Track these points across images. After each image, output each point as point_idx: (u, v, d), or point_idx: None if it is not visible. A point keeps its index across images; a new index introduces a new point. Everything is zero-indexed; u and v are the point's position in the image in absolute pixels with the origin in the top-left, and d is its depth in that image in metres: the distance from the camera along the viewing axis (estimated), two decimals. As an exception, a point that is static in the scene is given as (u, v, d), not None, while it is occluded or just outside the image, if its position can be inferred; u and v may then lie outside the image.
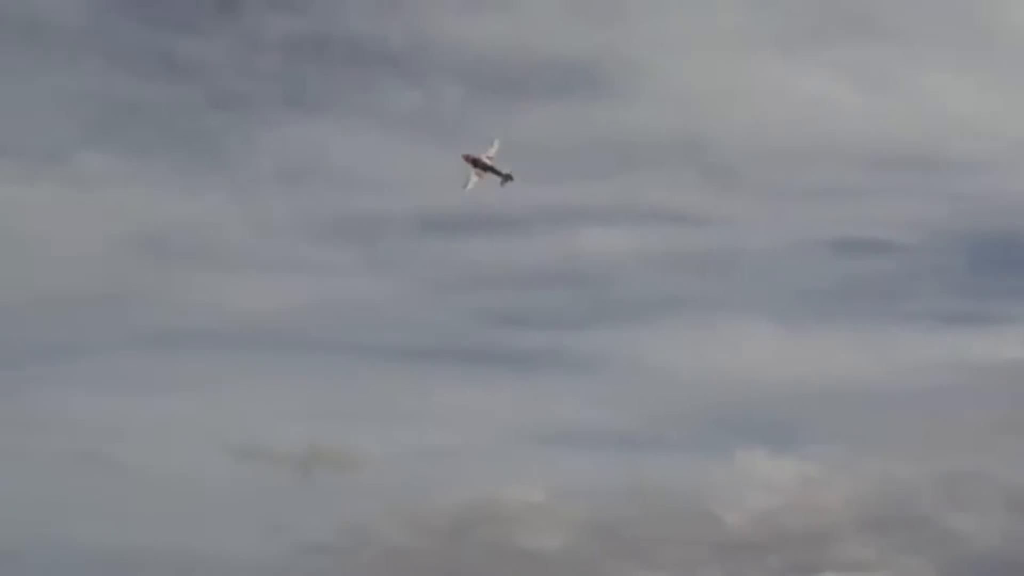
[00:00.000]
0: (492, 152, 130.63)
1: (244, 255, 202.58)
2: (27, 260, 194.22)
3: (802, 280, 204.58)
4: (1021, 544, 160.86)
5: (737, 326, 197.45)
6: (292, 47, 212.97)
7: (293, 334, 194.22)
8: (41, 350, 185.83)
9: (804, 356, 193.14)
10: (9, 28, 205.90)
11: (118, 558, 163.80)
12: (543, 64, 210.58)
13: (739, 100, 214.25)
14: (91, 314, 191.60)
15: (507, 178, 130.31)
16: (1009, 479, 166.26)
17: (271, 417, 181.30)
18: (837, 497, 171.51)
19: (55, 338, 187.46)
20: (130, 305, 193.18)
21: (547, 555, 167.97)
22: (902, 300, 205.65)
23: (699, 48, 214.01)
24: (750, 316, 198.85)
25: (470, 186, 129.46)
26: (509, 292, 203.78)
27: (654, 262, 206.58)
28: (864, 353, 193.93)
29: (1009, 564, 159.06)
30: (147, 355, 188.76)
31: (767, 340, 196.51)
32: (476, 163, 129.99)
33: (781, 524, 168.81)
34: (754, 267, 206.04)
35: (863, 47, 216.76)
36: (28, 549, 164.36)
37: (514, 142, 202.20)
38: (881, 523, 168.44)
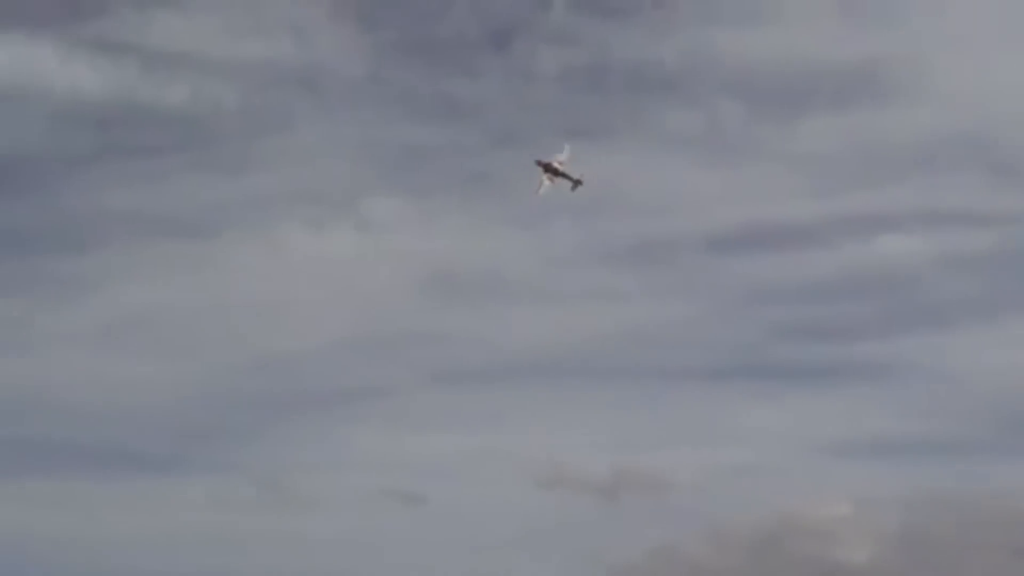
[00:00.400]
0: (563, 158, 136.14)
1: (536, 288, 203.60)
2: (323, 305, 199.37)
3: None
4: None
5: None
6: (567, 78, 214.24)
7: (591, 362, 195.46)
8: (344, 392, 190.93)
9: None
10: (295, 80, 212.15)
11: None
12: (822, 72, 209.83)
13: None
14: (390, 354, 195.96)
15: (577, 183, 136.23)
16: None
17: (575, 445, 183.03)
18: None
19: (357, 380, 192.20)
20: (427, 343, 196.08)
21: (856, 568, 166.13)
22: None
23: (980, 44, 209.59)
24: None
25: (542, 191, 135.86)
26: (804, 305, 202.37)
27: (951, 265, 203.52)
28: None
29: None
30: (445, 392, 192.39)
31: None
32: (548, 168, 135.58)
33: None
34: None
35: None
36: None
37: (799, 154, 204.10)
38: None
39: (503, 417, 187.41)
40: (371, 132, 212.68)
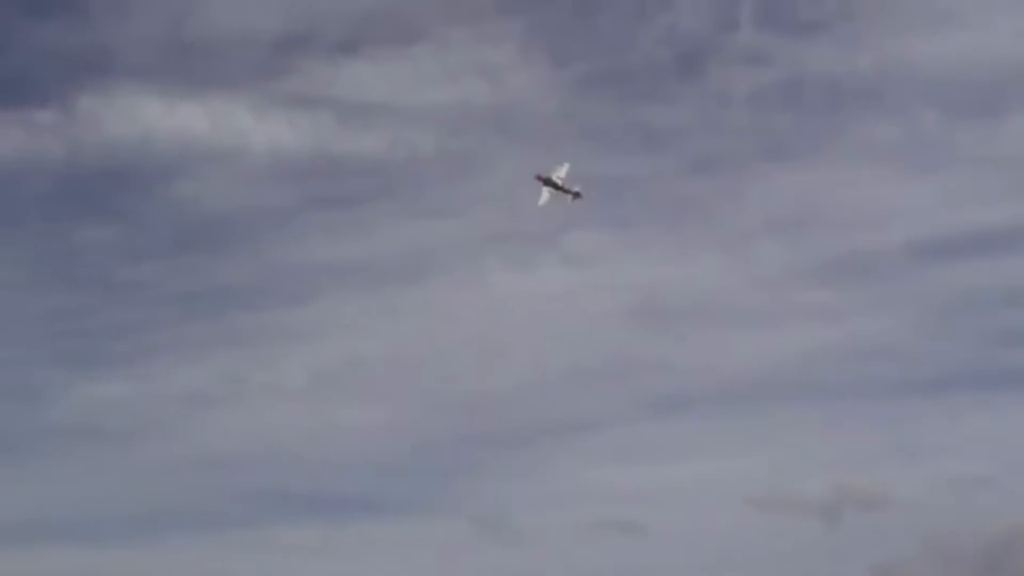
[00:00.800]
0: (562, 173, 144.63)
1: (744, 310, 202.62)
2: (533, 341, 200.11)
3: None
4: None
5: None
6: (761, 98, 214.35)
7: (804, 382, 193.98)
8: (557, 426, 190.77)
9: None
10: (489, 121, 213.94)
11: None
12: (1018, 71, 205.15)
13: None
14: (602, 386, 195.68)
15: (576, 195, 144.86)
16: None
17: (792, 466, 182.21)
18: None
19: (570, 413, 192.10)
20: (638, 373, 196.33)
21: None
22: None
23: None
24: None
25: (542, 203, 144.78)
26: (1017, 310, 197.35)
27: None
28: None
29: None
30: (659, 420, 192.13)
31: None
32: (548, 182, 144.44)
33: None
34: None
35: None
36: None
37: (1001, 157, 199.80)
38: None
39: (718, 442, 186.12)
40: (569, 166, 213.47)
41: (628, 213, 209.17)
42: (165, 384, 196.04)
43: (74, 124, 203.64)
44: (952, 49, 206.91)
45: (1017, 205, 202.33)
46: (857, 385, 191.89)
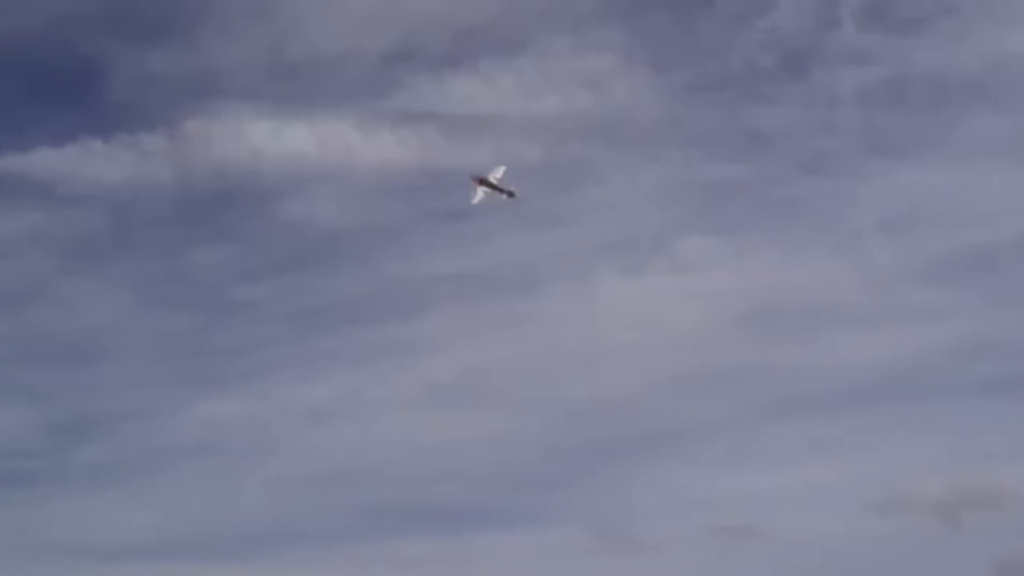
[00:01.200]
0: (499, 175, 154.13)
1: (858, 311, 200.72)
2: (645, 348, 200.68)
3: None
4: None
5: None
6: (867, 97, 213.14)
7: (921, 381, 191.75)
8: (671, 432, 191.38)
9: None
10: (595, 130, 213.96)
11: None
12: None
13: None
14: (715, 391, 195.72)
15: (510, 194, 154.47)
16: None
17: (911, 467, 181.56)
18: None
19: (684, 419, 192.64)
20: (751, 377, 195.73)
21: None
22: None
23: None
24: None
25: (477, 199, 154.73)
26: None
27: None
28: None
29: None
30: (773, 423, 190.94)
31: None
32: (483, 182, 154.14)
33: None
34: None
35: None
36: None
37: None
38: None
39: (834, 444, 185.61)
40: (676, 173, 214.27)
41: (736, 217, 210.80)
42: (282, 401, 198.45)
43: (184, 147, 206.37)
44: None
45: None
46: (973, 383, 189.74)
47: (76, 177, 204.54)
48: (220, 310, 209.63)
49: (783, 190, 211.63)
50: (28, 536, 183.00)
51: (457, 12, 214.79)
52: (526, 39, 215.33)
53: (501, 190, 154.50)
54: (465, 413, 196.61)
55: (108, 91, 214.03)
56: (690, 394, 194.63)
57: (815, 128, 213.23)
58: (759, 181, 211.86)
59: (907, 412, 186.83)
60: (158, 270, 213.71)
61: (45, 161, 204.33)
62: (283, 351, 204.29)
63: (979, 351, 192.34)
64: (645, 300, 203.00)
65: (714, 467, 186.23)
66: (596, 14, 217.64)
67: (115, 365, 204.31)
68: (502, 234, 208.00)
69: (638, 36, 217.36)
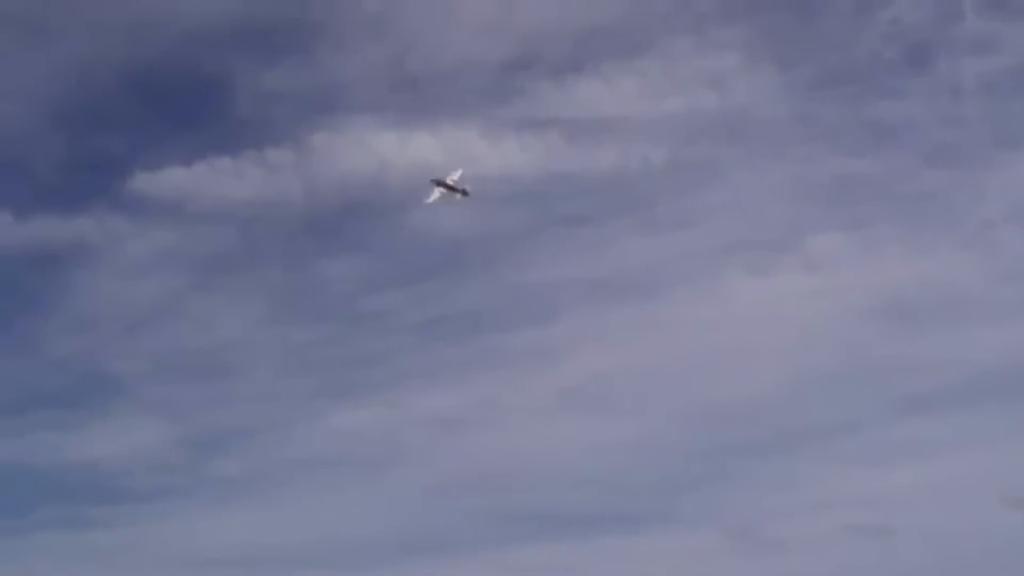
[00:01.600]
0: (456, 176, 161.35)
1: (991, 304, 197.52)
2: (777, 348, 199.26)
3: None
4: None
5: None
6: (993, 86, 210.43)
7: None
8: (805, 431, 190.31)
9: None
10: (720, 130, 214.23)
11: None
12: None
13: None
14: (849, 389, 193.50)
15: (464, 193, 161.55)
16: None
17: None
18: None
19: (818, 418, 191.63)
20: (885, 374, 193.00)
21: None
22: None
23: None
24: None
25: (432, 199, 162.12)
26: None
27: None
28: None
29: None
30: (907, 420, 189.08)
31: None
32: (440, 183, 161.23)
33: None
34: None
35: None
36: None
37: None
38: None
39: (969, 439, 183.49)
40: (802, 169, 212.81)
41: (865, 212, 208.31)
42: (413, 410, 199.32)
43: (310, 161, 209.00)
44: None
45: None
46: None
47: (205, 195, 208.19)
48: (350, 321, 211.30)
49: (910, 183, 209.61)
50: (169, 549, 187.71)
51: (576, 17, 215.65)
52: (648, 41, 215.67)
53: (455, 189, 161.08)
54: (597, 418, 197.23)
55: (233, 109, 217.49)
56: (822, 392, 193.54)
57: (940, 120, 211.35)
58: (885, 175, 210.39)
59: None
60: (288, 284, 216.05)
61: (174, 180, 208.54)
62: (413, 360, 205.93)
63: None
64: (774, 299, 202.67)
65: (848, 465, 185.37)
66: (717, 13, 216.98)
67: (248, 378, 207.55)
68: (628, 237, 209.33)
69: (760, 34, 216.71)
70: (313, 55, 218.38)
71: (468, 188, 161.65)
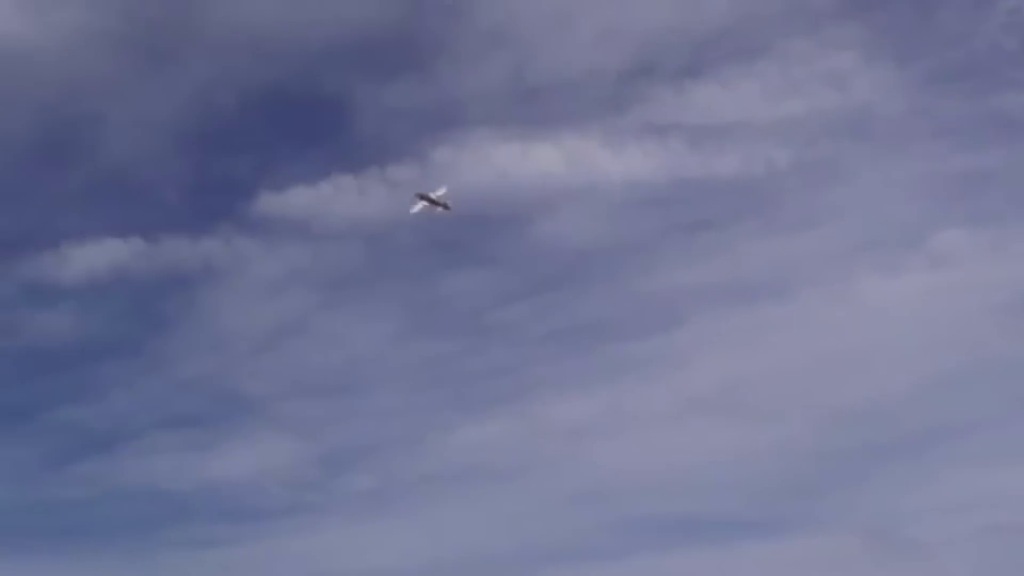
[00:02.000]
0: (440, 192, 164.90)
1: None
2: (907, 347, 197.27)
3: None
4: None
5: None
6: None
7: None
8: (938, 431, 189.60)
9: None
10: (842, 128, 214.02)
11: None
12: None
13: None
14: (980, 387, 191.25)
15: (445, 207, 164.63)
16: None
17: None
18: None
19: (951, 417, 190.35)
20: (1016, 371, 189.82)
21: None
22: None
23: None
24: None
25: (414, 211, 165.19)
26: None
27: None
28: None
29: None
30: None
31: None
32: (423, 197, 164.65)
33: None
34: None
35: None
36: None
37: None
38: None
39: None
40: (928, 166, 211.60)
41: (991, 207, 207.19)
42: (544, 420, 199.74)
43: (432, 176, 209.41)
44: None
45: None
46: None
47: (330, 213, 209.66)
48: (478, 334, 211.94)
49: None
50: (302, 566, 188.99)
51: (693, 22, 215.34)
52: (766, 43, 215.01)
53: (437, 203, 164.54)
54: (727, 422, 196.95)
55: (355, 127, 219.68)
56: (956, 391, 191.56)
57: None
58: (1011, 168, 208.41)
59: None
60: (416, 299, 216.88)
61: (300, 199, 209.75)
62: (542, 371, 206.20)
63: None
64: (903, 298, 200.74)
65: (985, 464, 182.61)
66: (833, 12, 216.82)
67: (378, 394, 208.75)
68: (753, 240, 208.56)
69: (878, 30, 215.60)
70: (432, 70, 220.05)
71: (450, 203, 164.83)
